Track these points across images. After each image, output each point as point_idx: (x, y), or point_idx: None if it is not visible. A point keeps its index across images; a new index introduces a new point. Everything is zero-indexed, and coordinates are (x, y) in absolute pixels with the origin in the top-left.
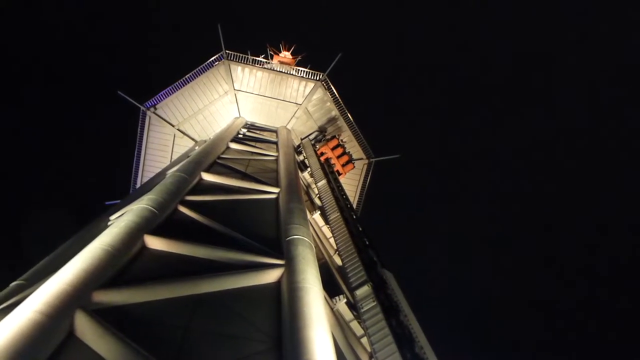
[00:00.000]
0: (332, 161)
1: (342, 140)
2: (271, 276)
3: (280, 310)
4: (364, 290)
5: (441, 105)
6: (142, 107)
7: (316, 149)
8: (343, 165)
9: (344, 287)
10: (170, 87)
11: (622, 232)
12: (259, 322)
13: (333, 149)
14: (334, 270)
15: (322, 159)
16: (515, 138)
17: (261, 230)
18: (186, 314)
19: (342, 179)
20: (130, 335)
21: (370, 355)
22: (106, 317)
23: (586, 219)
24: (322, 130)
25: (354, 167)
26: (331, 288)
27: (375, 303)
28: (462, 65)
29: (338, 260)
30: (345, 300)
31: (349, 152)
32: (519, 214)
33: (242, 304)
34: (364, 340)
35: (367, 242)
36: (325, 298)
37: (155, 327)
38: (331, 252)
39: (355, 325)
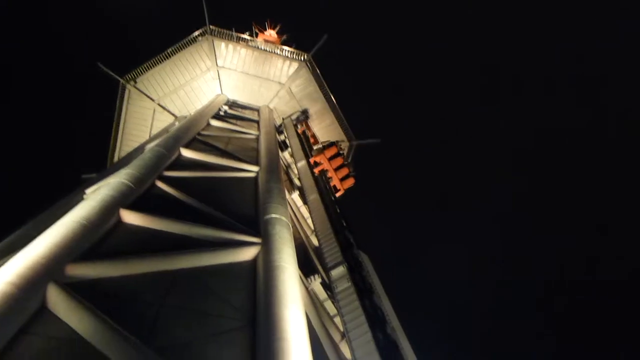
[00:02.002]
0: (329, 174)
1: (341, 149)
2: (247, 254)
3: (255, 289)
4: (339, 271)
5: (430, 91)
6: (121, 80)
7: (304, 137)
8: (342, 180)
9: (319, 267)
10: (151, 61)
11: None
12: (234, 300)
13: (331, 158)
14: (310, 251)
15: (316, 170)
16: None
17: (239, 209)
18: (160, 289)
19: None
20: (103, 310)
21: (343, 335)
22: (79, 290)
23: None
24: (304, 111)
25: (355, 181)
26: (307, 268)
27: (349, 284)
28: (453, 48)
29: (315, 241)
30: (320, 280)
31: (349, 162)
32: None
33: (218, 281)
34: (337, 320)
35: (345, 224)
36: (301, 277)
37: (128, 302)
38: (308, 232)
39: (329, 305)
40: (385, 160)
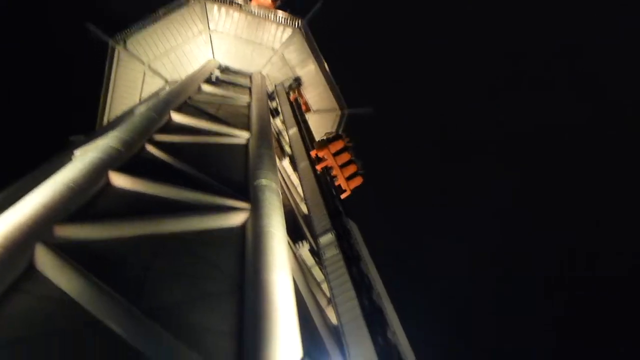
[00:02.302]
0: (334, 172)
1: (348, 143)
2: (236, 219)
3: (243, 254)
4: (327, 238)
5: (430, 86)
6: (110, 41)
7: (297, 105)
8: (348, 179)
9: (307, 234)
10: (142, 23)
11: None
12: (222, 264)
13: (336, 154)
14: (300, 218)
15: (319, 166)
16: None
17: (229, 174)
18: (149, 252)
19: (313, 128)
20: (92, 271)
21: (329, 300)
22: (68, 252)
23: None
24: (297, 78)
25: (363, 180)
26: (295, 234)
27: (337, 251)
28: (452, 44)
29: (304, 209)
30: (308, 247)
31: (356, 158)
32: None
33: (206, 245)
34: (324, 286)
35: (334, 193)
36: (289, 243)
37: (117, 264)
38: (298, 200)
39: (316, 272)
40: (385, 159)
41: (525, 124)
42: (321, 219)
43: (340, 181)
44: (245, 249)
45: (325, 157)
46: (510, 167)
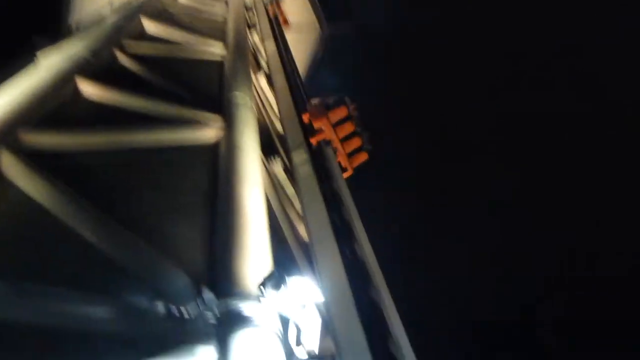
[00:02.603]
0: (334, 144)
1: (353, 110)
2: (210, 134)
3: (216, 169)
4: (300, 155)
5: (429, 87)
6: None
7: (275, 20)
8: (350, 155)
9: (281, 152)
10: None
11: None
12: (195, 178)
13: (336, 125)
14: (274, 135)
15: (314, 140)
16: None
17: (203, 88)
18: (121, 163)
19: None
20: (61, 179)
21: (301, 216)
22: (35, 159)
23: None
24: None
25: (368, 157)
26: (269, 151)
27: (310, 168)
28: (452, 44)
29: (279, 127)
30: (282, 164)
31: (361, 129)
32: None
33: (179, 159)
34: (297, 203)
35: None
36: (263, 160)
37: (87, 174)
38: (273, 117)
39: (289, 189)
40: (385, 159)
41: (526, 124)
42: (295, 135)
43: (341, 158)
44: (218, 164)
45: (322, 127)
46: (510, 167)
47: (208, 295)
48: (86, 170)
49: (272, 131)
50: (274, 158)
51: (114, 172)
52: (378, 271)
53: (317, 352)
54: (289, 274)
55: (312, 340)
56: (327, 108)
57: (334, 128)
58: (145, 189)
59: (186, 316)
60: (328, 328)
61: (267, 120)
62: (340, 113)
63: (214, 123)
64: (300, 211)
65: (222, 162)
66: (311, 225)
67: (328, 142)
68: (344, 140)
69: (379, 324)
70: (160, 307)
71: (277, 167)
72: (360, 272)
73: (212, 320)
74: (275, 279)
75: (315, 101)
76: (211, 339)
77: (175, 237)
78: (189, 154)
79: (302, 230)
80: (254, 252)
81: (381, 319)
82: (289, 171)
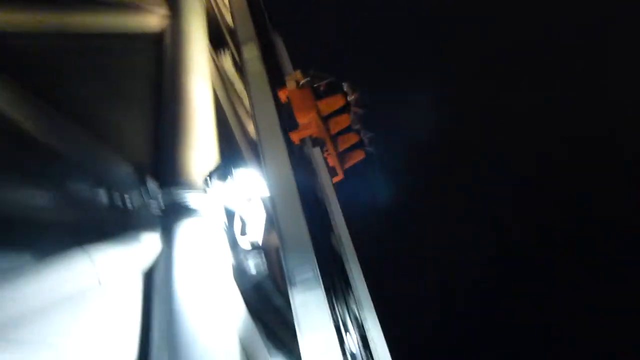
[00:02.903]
0: (327, 146)
1: (350, 97)
2: (155, 22)
3: (162, 59)
4: (251, 50)
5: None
6: None
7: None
8: (343, 153)
9: (231, 46)
10: None
11: None
12: (141, 66)
13: (329, 117)
14: (224, 29)
15: (295, 137)
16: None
17: None
18: (62, 48)
19: None
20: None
21: (249, 114)
22: None
23: None
24: None
25: (365, 156)
26: (219, 44)
27: (260, 64)
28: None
29: (230, 20)
30: (231, 59)
31: (359, 128)
32: None
33: (124, 47)
34: (245, 100)
35: (262, 6)
36: (211, 52)
37: (23, 58)
38: (224, 10)
39: (239, 87)
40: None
41: (525, 124)
42: (245, 29)
43: (331, 160)
44: (164, 54)
45: (311, 122)
46: (510, 167)
47: (152, 184)
48: (21, 53)
49: (221, 24)
50: (224, 52)
51: (55, 57)
52: (324, 168)
53: (260, 243)
54: (236, 167)
55: (256, 232)
56: (317, 96)
57: (326, 121)
58: (89, 75)
59: (129, 204)
60: (272, 222)
61: (217, 12)
62: (335, 103)
63: (159, 9)
64: (249, 108)
65: (168, 51)
66: (259, 122)
67: (317, 140)
68: (335, 136)
69: (322, 219)
70: (102, 195)
71: (227, 62)
72: (306, 170)
73: (157, 210)
74: (221, 171)
75: (300, 76)
76: (156, 227)
77: (118, 126)
78: (134, 42)
79: (250, 127)
80: (200, 143)
81: (324, 214)
82: (239, 67)
